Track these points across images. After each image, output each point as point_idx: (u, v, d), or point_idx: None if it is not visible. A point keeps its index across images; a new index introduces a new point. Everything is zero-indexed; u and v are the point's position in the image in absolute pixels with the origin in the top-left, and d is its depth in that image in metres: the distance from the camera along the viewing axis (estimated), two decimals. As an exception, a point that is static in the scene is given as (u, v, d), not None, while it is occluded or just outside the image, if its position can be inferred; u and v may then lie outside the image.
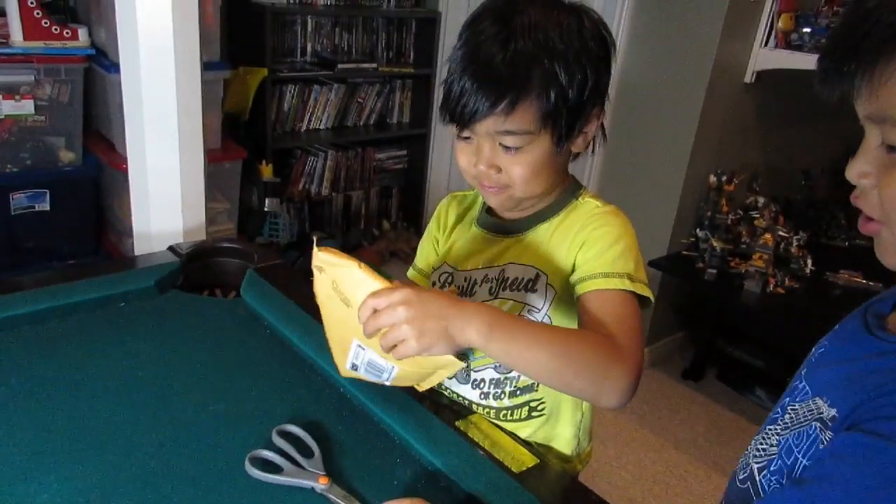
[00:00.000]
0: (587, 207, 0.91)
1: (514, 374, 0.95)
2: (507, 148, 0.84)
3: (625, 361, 0.76)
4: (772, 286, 2.44)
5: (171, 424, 0.91)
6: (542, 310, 0.91)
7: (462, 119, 0.83)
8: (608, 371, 0.75)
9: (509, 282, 0.93)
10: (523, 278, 0.92)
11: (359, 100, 3.35)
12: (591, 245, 0.86)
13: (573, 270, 0.88)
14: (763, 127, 2.81)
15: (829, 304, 2.40)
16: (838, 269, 2.61)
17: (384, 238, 3.45)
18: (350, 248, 3.33)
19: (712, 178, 2.57)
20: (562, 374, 0.75)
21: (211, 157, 2.57)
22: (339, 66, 3.13)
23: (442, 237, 1.06)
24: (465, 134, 0.86)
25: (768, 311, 2.42)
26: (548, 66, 0.79)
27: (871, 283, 2.50)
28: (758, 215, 2.52)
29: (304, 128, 3.23)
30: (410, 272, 1.12)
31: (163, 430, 0.90)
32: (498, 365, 0.96)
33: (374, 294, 0.73)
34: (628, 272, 0.84)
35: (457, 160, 0.91)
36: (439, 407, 0.94)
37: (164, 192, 1.52)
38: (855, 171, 0.61)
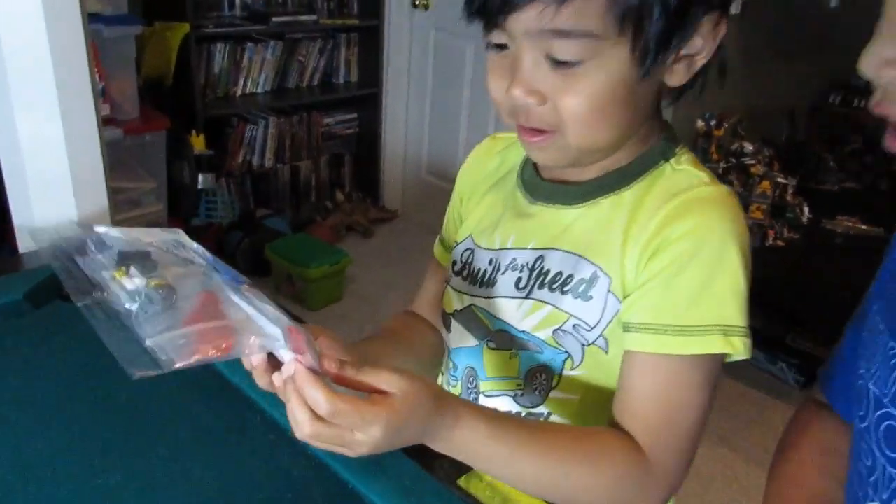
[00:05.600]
0: (683, 181, 0.61)
1: (541, 409, 0.67)
2: (557, 63, 0.55)
3: (652, 491, 0.57)
4: (771, 239, 2.23)
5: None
6: (596, 329, 0.62)
7: (490, 6, 0.54)
8: None
9: (549, 277, 0.64)
10: (571, 276, 0.63)
11: (299, 58, 2.99)
12: (667, 260, 0.57)
13: (633, 289, 0.60)
14: (747, 65, 2.57)
15: (832, 255, 2.20)
16: (833, 215, 2.41)
17: (339, 211, 3.13)
18: (302, 224, 3.01)
19: (700, 123, 2.32)
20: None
21: (128, 129, 2.23)
22: (274, 19, 2.77)
23: (468, 195, 0.76)
24: (497, 37, 0.57)
25: (770, 267, 2.20)
26: None
27: (872, 229, 2.30)
28: (752, 161, 2.29)
29: (238, 92, 2.86)
30: (436, 246, 0.82)
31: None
32: (517, 394, 0.68)
33: (341, 401, 0.48)
34: (721, 322, 0.56)
35: (486, 83, 0.61)
36: (434, 458, 0.66)
37: (47, 171, 1.18)
38: None
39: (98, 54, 1.94)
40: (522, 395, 0.67)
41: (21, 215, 1.22)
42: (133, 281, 0.50)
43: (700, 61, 0.58)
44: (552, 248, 0.65)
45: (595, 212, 0.63)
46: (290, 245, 2.62)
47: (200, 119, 2.62)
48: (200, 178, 2.54)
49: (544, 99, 0.57)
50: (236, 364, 0.78)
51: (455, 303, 0.72)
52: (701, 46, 0.57)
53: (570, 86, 0.56)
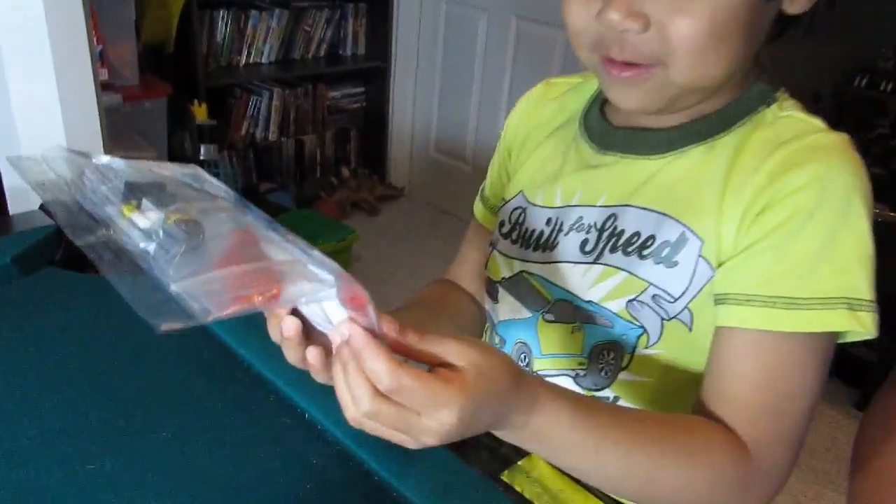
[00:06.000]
0: (792, 127, 0.52)
1: (607, 393, 0.59)
2: None
3: (756, 492, 0.49)
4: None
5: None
6: (680, 301, 0.53)
7: None
8: None
9: (623, 238, 0.55)
10: (653, 238, 0.54)
11: (305, 28, 2.89)
12: (779, 218, 0.49)
13: (732, 254, 0.51)
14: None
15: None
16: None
17: (344, 187, 3.04)
18: (306, 200, 2.92)
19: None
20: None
21: (126, 96, 2.14)
22: (280, -15, 2.67)
23: (519, 147, 0.68)
24: None
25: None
26: None
27: (900, 215, 2.21)
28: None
29: (242, 62, 2.76)
30: (477, 206, 0.73)
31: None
32: (579, 374, 0.59)
33: (408, 375, 0.38)
34: (845, 293, 0.48)
35: (564, 14, 0.52)
36: (472, 449, 0.58)
37: (40, 132, 1.10)
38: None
39: (96, 16, 1.85)
40: (585, 375, 0.58)
41: (11, 177, 1.14)
42: (147, 217, 0.39)
43: None
44: (627, 205, 0.56)
45: (683, 163, 0.55)
46: (294, 221, 2.54)
47: (202, 88, 2.52)
48: (202, 148, 2.45)
49: (647, 24, 0.48)
50: (245, 335, 0.71)
51: (503, 269, 0.64)
52: None
53: (685, 5, 0.47)
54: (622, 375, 0.57)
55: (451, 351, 0.40)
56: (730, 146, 0.53)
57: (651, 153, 0.56)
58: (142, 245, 0.38)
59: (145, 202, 0.39)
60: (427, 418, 0.38)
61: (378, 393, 0.38)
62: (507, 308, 0.64)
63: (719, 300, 0.51)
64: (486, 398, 0.39)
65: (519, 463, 0.57)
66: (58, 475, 0.57)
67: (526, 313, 0.62)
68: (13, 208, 1.12)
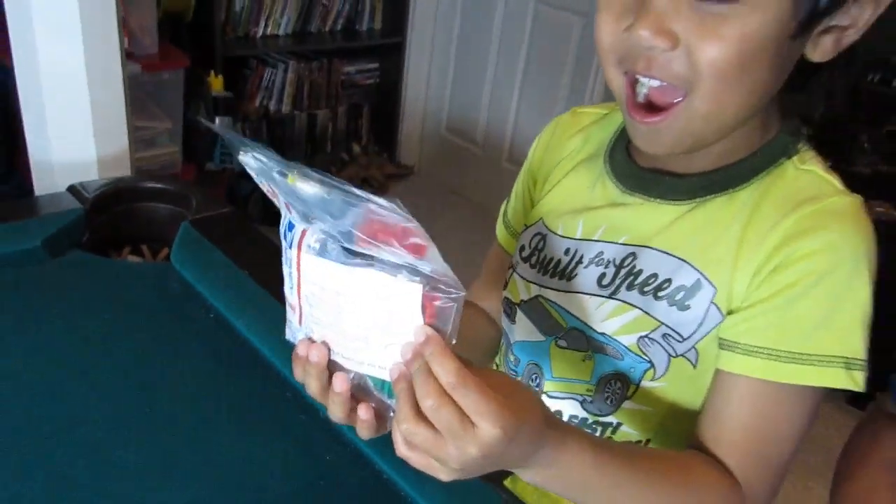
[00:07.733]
0: (810, 185, 0.54)
1: (610, 419, 0.62)
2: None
3: None
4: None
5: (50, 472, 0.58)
6: (688, 341, 0.56)
7: None
8: None
9: (641, 278, 0.58)
10: (669, 281, 0.57)
11: (323, 1, 2.88)
12: (790, 279, 0.51)
13: (742, 305, 0.54)
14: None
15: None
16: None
17: (354, 163, 3.06)
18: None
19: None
20: None
21: (146, 65, 2.14)
22: (299, -43, 2.65)
23: (544, 177, 0.69)
24: None
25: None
26: None
27: (907, 219, 2.22)
28: (789, 141, 2.19)
29: (259, 33, 2.76)
30: (499, 228, 0.75)
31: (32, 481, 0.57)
32: (586, 399, 0.62)
33: (472, 377, 0.41)
34: (844, 353, 0.51)
35: (596, 29, 0.53)
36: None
37: (67, 106, 1.12)
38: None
39: (117, -16, 1.85)
40: (592, 401, 0.62)
41: (39, 152, 1.16)
42: (312, 185, 0.43)
43: (849, 38, 0.51)
44: (647, 247, 0.58)
45: (703, 212, 0.57)
46: (304, 196, 2.55)
47: (219, 59, 2.53)
48: (217, 120, 2.46)
49: (676, 42, 0.48)
50: (267, 334, 0.74)
51: (521, 292, 0.66)
52: (856, 20, 0.50)
53: (716, 29, 0.47)
54: (626, 404, 0.60)
55: (494, 381, 0.41)
56: (749, 199, 0.55)
57: (675, 199, 0.58)
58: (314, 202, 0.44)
59: (306, 172, 0.44)
60: (478, 429, 0.40)
61: (443, 392, 0.40)
62: (522, 329, 0.66)
63: (725, 346, 0.54)
64: (526, 427, 0.42)
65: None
66: (80, 463, 0.60)
67: (540, 337, 0.64)
68: (39, 189, 1.15)
